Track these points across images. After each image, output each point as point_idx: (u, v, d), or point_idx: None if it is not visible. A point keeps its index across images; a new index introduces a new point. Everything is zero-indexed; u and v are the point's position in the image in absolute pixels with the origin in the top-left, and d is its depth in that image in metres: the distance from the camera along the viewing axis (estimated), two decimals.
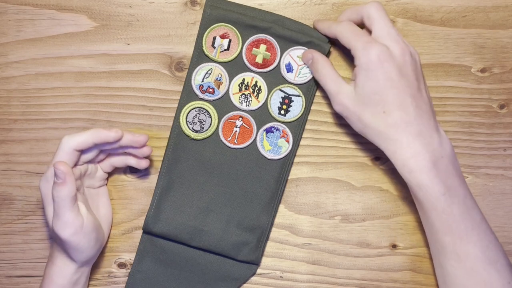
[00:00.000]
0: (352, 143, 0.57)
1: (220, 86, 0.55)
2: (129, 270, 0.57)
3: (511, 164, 0.57)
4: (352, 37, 0.50)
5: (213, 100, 0.55)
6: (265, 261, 0.57)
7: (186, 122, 0.55)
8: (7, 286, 0.57)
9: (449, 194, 0.47)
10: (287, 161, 0.56)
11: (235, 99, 0.55)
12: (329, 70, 0.52)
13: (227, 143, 0.55)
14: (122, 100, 0.57)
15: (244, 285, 0.57)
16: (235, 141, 0.55)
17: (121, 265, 0.57)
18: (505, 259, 0.49)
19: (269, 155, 0.55)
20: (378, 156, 0.57)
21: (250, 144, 0.55)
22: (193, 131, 0.55)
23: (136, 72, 0.56)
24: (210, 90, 0.55)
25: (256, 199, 0.55)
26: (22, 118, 0.57)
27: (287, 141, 0.55)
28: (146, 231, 0.55)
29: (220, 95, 0.55)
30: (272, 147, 0.55)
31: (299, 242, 0.57)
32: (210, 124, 0.55)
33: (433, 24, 0.56)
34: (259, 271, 0.57)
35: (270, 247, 0.57)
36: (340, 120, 0.56)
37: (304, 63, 0.55)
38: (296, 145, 0.56)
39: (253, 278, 0.57)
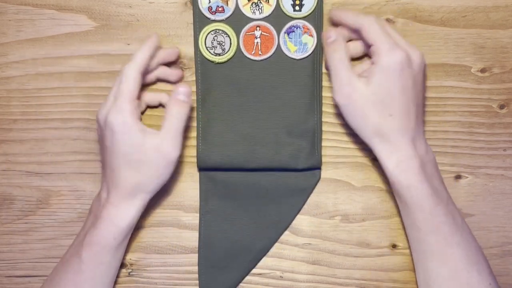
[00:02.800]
0: (352, 143, 0.56)
1: (228, 2, 0.54)
2: (129, 270, 0.57)
3: (511, 164, 0.57)
4: (381, 35, 0.50)
5: (226, 19, 0.55)
6: (265, 261, 0.57)
7: (206, 48, 0.55)
8: (7, 286, 0.57)
9: (435, 195, 0.49)
10: (317, 55, 0.55)
11: (246, 10, 0.54)
12: (346, 58, 0.52)
13: (252, 57, 0.55)
14: None
15: (244, 285, 0.57)
16: (260, 53, 0.55)
17: (121, 265, 0.57)
18: (485, 261, 0.51)
19: (297, 55, 0.55)
20: None
21: (275, 51, 0.55)
22: (215, 55, 0.55)
23: None
24: (220, 9, 0.55)
25: (298, 104, 0.55)
26: (22, 118, 0.57)
27: (311, 35, 0.55)
28: (202, 168, 0.55)
29: (231, 12, 0.54)
30: (298, 46, 0.55)
31: (299, 242, 0.57)
32: (230, 43, 0.55)
33: (433, 24, 0.56)
34: (259, 271, 0.57)
35: None
36: (340, 120, 0.56)
37: (322, 37, 0.54)
38: (320, 36, 0.55)
39: (253, 278, 0.57)
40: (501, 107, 0.56)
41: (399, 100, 0.50)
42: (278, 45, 0.55)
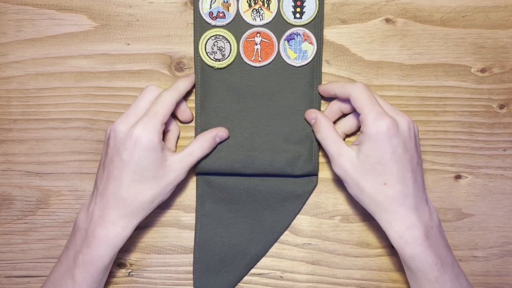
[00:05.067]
0: None
1: (229, 7, 0.55)
2: (129, 270, 0.57)
3: (511, 164, 0.57)
4: (367, 103, 0.50)
5: (227, 24, 0.55)
6: (265, 261, 0.57)
7: (206, 53, 0.55)
8: (7, 286, 0.57)
9: (441, 263, 0.49)
10: (316, 63, 0.55)
11: (247, 16, 0.55)
12: (332, 132, 0.52)
13: (252, 64, 0.55)
14: (122, 100, 0.57)
15: (244, 285, 0.57)
16: (260, 59, 0.55)
17: (121, 265, 0.57)
18: None
19: (297, 62, 0.55)
20: None
21: (275, 58, 0.55)
22: (215, 61, 0.55)
23: (136, 72, 0.56)
24: (221, 14, 0.55)
25: (296, 111, 0.55)
26: (22, 118, 0.57)
27: (311, 43, 0.55)
28: (200, 172, 0.55)
29: (231, 17, 0.55)
30: (297, 53, 0.55)
31: (299, 242, 0.57)
32: (230, 49, 0.55)
33: (433, 24, 0.56)
34: (259, 271, 0.57)
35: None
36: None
37: (307, 121, 0.55)
38: (320, 44, 0.55)
39: (253, 278, 0.57)
40: (501, 107, 0.56)
41: (391, 168, 0.49)
42: (278, 52, 0.55)
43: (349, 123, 0.54)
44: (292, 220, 0.57)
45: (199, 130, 0.55)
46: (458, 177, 0.57)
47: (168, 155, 0.52)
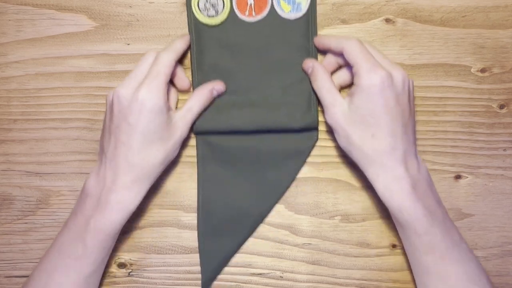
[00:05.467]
0: None
1: None
2: (129, 270, 0.57)
3: (511, 164, 0.57)
4: (361, 55, 0.50)
5: None
6: (265, 261, 0.57)
7: (199, 10, 0.54)
8: (7, 286, 0.57)
9: (430, 215, 0.49)
10: (311, 15, 0.55)
11: None
12: (327, 82, 0.52)
13: (246, 19, 0.54)
14: None
15: (244, 285, 0.57)
16: (253, 13, 0.54)
17: (121, 265, 0.57)
18: (486, 277, 0.50)
19: (292, 15, 0.55)
20: None
21: (269, 12, 0.54)
22: (209, 17, 0.54)
23: None
24: None
25: (293, 64, 0.55)
26: (22, 118, 0.57)
27: None
28: (198, 132, 0.55)
29: None
30: (291, 5, 0.54)
31: (299, 242, 0.57)
32: (223, 5, 0.54)
33: (433, 24, 0.56)
34: (259, 271, 0.57)
35: (270, 247, 0.57)
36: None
37: (304, 70, 0.55)
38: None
39: (253, 278, 0.57)
40: (501, 107, 0.56)
41: (381, 120, 0.49)
42: (272, 5, 0.54)
43: (343, 75, 0.54)
44: (294, 178, 0.56)
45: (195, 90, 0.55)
46: (458, 177, 0.57)
47: (170, 115, 0.52)
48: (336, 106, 0.51)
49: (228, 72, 0.55)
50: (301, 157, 0.56)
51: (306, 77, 0.55)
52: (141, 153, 0.50)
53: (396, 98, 0.49)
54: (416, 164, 0.50)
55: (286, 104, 0.55)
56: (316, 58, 0.55)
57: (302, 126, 0.55)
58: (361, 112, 0.49)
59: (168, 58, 0.52)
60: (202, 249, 0.56)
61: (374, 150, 0.49)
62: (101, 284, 0.57)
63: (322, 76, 0.53)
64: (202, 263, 0.56)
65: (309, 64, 0.54)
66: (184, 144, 0.56)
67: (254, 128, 0.55)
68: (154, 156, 0.51)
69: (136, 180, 0.50)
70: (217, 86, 0.54)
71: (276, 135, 0.55)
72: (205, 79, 0.55)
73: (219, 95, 0.55)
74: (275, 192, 0.56)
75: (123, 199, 0.50)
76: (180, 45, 0.54)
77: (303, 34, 0.55)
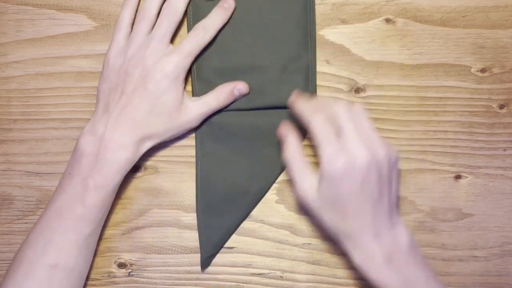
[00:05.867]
0: None
1: None
2: (129, 270, 0.57)
3: (511, 164, 0.57)
4: (324, 139, 0.48)
5: None
6: (265, 261, 0.57)
7: None
8: None
9: (408, 284, 0.48)
10: None
11: None
12: (298, 155, 0.51)
13: None
14: None
15: (244, 285, 0.57)
16: None
17: (121, 265, 0.57)
18: None
19: None
20: None
21: None
22: None
23: None
24: None
25: (291, 40, 0.55)
26: (22, 118, 0.57)
27: None
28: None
29: None
30: None
31: (299, 242, 0.57)
32: None
33: (433, 24, 0.56)
34: (259, 271, 0.57)
35: (270, 247, 0.57)
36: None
37: (277, 136, 0.54)
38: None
39: (253, 278, 0.57)
40: (501, 107, 0.56)
41: (348, 205, 0.48)
42: None
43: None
44: None
45: (195, 66, 0.55)
46: (458, 177, 0.57)
47: (186, 99, 0.53)
48: (305, 183, 0.50)
49: (226, 48, 0.55)
50: (300, 134, 0.56)
51: (304, 54, 0.55)
52: (147, 119, 0.51)
53: (361, 183, 0.47)
54: (391, 237, 0.49)
55: (285, 80, 0.55)
56: (314, 33, 0.55)
57: None
58: (327, 198, 0.48)
59: (183, 5, 0.53)
60: (201, 226, 0.56)
61: (345, 230, 0.49)
62: (101, 284, 0.57)
63: (295, 149, 0.51)
64: (201, 241, 0.56)
65: (283, 132, 0.52)
66: (184, 144, 0.56)
67: (255, 106, 0.55)
68: (158, 126, 0.52)
69: (136, 141, 0.51)
70: (239, 86, 0.54)
71: (275, 111, 0.55)
72: (203, 55, 0.55)
73: (240, 94, 0.55)
74: (273, 170, 0.56)
75: (121, 158, 0.50)
76: None
77: (301, 11, 0.55)
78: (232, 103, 0.55)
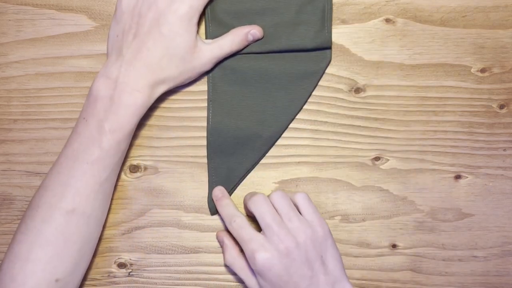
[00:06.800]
0: (352, 143, 0.57)
1: None
2: (129, 271, 0.57)
3: (511, 164, 0.57)
4: (244, 240, 0.51)
5: None
6: None
7: None
8: None
9: None
10: None
11: None
12: (238, 257, 0.54)
13: None
14: None
15: (244, 285, 0.57)
16: None
17: (121, 265, 0.57)
18: None
19: None
20: (378, 156, 0.57)
21: None
22: None
23: None
24: None
25: None
26: (22, 118, 0.57)
27: None
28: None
29: None
30: None
31: None
32: None
33: (433, 24, 0.56)
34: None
35: None
36: (340, 120, 0.56)
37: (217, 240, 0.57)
38: None
39: None
40: (501, 107, 0.56)
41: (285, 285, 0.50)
42: None
43: None
44: (306, 100, 0.56)
45: (208, 10, 0.54)
46: (458, 177, 0.57)
47: (199, 41, 0.53)
48: (250, 279, 0.53)
49: None
50: (313, 78, 0.55)
51: None
52: (160, 62, 0.51)
53: (286, 270, 0.50)
54: None
55: (300, 23, 0.54)
56: None
57: (315, 45, 0.55)
58: (266, 286, 0.51)
59: None
60: (210, 168, 0.56)
61: None
62: (101, 284, 0.57)
63: (232, 253, 0.54)
64: (210, 183, 0.56)
65: (219, 238, 0.56)
66: (184, 144, 0.56)
67: (267, 50, 0.55)
68: (171, 69, 0.52)
69: (151, 85, 0.51)
70: (253, 30, 0.54)
71: (288, 54, 0.55)
72: (219, 8, 0.54)
73: (254, 39, 0.54)
74: (286, 115, 0.56)
75: (137, 101, 0.50)
76: None
77: None
78: (246, 47, 0.55)
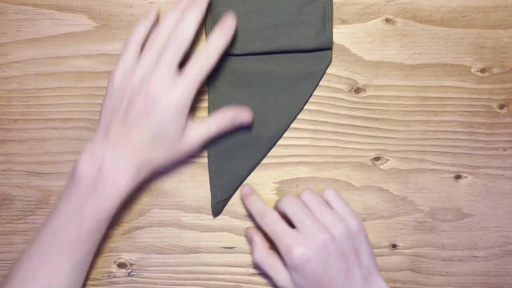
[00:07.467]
0: (352, 143, 0.57)
1: None
2: (129, 270, 0.57)
3: (511, 164, 0.57)
4: (278, 235, 0.51)
5: None
6: None
7: None
8: None
9: None
10: None
11: None
12: (266, 256, 0.53)
13: None
14: None
15: (244, 285, 0.57)
16: None
17: (121, 265, 0.57)
18: None
19: None
20: (378, 156, 0.57)
21: None
22: None
23: None
24: None
25: None
26: (22, 118, 0.57)
27: None
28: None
29: None
30: None
31: None
32: None
33: (433, 24, 0.56)
34: (259, 271, 0.57)
35: None
36: (340, 120, 0.56)
37: (246, 236, 0.56)
38: None
39: (253, 278, 0.57)
40: (501, 107, 0.56)
41: (320, 285, 0.50)
42: None
43: None
44: (306, 101, 0.56)
45: (212, 9, 0.54)
46: (458, 177, 0.57)
47: (188, 124, 0.52)
48: (279, 275, 0.52)
49: None
50: (314, 79, 0.55)
51: None
52: (147, 148, 0.50)
53: (323, 265, 0.50)
54: None
55: (301, 24, 0.54)
56: None
57: (316, 46, 0.55)
58: (300, 283, 0.51)
59: (192, 34, 0.50)
60: (212, 171, 0.56)
61: None
62: (101, 284, 0.57)
63: (261, 249, 0.54)
64: (212, 186, 0.56)
65: (248, 234, 0.56)
66: None
67: (270, 50, 0.55)
68: (156, 156, 0.51)
69: (136, 168, 0.50)
70: (242, 114, 0.53)
71: (289, 55, 0.55)
72: (218, 7, 0.54)
73: (243, 124, 0.54)
74: (287, 115, 0.56)
75: (120, 184, 0.50)
76: (200, 15, 0.51)
77: None
78: (247, 44, 0.54)
